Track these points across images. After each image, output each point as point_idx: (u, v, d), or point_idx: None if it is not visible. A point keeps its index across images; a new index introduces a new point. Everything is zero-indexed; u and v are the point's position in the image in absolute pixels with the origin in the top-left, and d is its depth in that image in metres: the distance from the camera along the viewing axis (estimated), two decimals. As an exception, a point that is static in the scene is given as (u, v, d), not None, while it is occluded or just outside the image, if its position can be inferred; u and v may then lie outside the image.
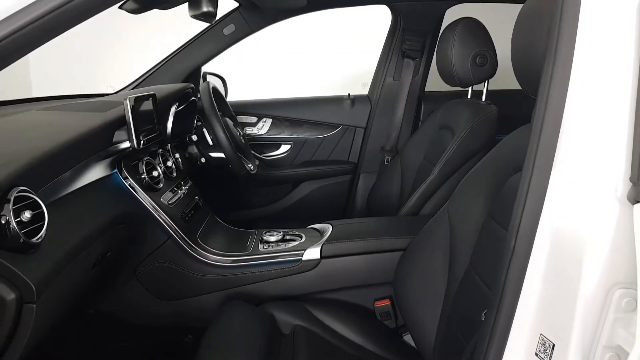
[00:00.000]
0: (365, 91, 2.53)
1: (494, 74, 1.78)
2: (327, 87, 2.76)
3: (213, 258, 1.53)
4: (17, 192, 0.87)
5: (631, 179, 0.64)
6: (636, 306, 0.64)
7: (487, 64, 1.73)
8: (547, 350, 0.71)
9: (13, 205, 0.86)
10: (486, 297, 0.93)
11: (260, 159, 2.41)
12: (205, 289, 1.52)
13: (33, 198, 0.91)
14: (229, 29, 2.16)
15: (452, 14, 2.05)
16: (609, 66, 0.68)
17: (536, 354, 0.73)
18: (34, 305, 0.86)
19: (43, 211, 0.92)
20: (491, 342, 0.77)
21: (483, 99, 1.84)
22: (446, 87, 1.96)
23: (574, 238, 0.68)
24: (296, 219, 2.29)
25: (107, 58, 3.47)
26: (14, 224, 0.85)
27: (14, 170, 0.90)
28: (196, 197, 1.73)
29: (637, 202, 0.63)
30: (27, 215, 0.88)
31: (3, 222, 0.85)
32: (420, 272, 1.34)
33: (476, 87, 1.86)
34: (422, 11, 2.20)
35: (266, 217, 2.48)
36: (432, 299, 1.23)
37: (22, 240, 0.87)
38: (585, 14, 0.70)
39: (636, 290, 0.64)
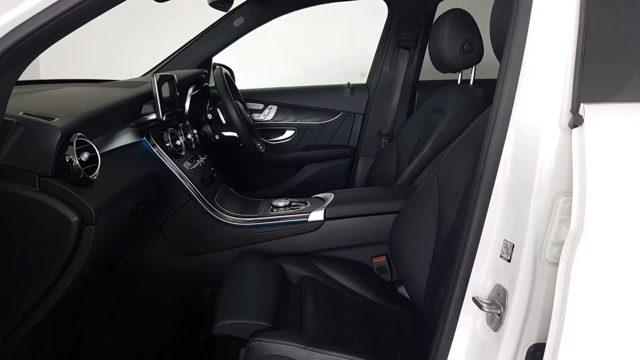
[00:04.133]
0: (363, 80, 2.71)
1: (481, 59, 1.95)
2: (329, 76, 2.94)
3: (229, 218, 1.71)
4: (77, 137, 1.06)
5: (571, 110, 0.83)
6: (574, 209, 0.83)
7: (474, 51, 1.90)
8: (509, 251, 0.89)
9: (75, 147, 1.04)
10: None
11: (266, 144, 2.59)
12: (222, 246, 1.70)
13: (89, 144, 1.09)
14: (238, 21, 2.34)
15: (443, 7, 2.23)
16: (556, 26, 0.86)
17: (501, 256, 0.91)
18: (93, 228, 1.05)
19: (97, 154, 1.11)
20: (464, 251, 0.94)
21: (471, 83, 2.02)
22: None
23: (528, 159, 0.86)
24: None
25: (112, 47, 3.66)
26: (77, 162, 1.04)
27: (74, 119, 1.09)
28: (212, 168, 1.91)
29: (575, 126, 0.82)
30: (85, 155, 1.07)
31: (67, 160, 1.03)
32: (412, 230, 1.51)
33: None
34: (416, 4, 2.38)
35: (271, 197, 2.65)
36: (422, 255, 1.39)
37: (82, 176, 1.05)
38: None
39: (575, 197, 0.82)
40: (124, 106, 1.43)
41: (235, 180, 2.51)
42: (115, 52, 3.67)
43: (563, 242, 0.84)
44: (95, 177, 1.09)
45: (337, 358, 1.12)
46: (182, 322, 1.79)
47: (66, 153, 1.03)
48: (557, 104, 0.84)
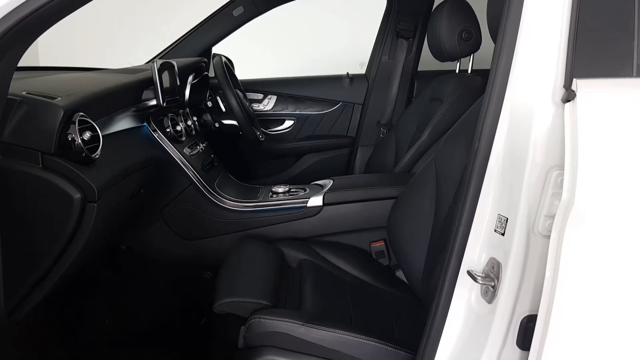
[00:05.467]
0: (362, 70, 2.73)
1: (479, 47, 1.96)
2: (328, 66, 2.95)
3: (229, 203, 1.73)
4: (79, 117, 1.08)
5: (564, 86, 0.85)
6: (567, 182, 0.84)
7: (472, 39, 1.91)
8: (503, 225, 0.91)
9: (77, 126, 1.06)
10: None
11: (265, 134, 2.60)
12: (222, 231, 1.72)
13: (90, 123, 1.11)
14: (238, 11, 2.35)
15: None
16: (550, 2, 0.88)
17: (495, 230, 0.93)
18: (95, 205, 1.07)
19: (98, 134, 1.12)
20: (459, 227, 0.96)
21: (469, 72, 2.03)
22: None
23: (522, 134, 0.88)
24: (299, 188, 2.49)
25: (111, 37, 3.67)
26: (79, 141, 1.05)
27: (76, 99, 1.11)
28: (212, 155, 1.93)
29: (568, 101, 0.83)
30: (87, 134, 1.08)
31: (69, 138, 1.05)
32: (410, 215, 1.53)
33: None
34: None
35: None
36: (420, 240, 1.41)
37: (84, 154, 1.07)
38: None
39: (569, 170, 0.84)
40: (125, 91, 1.45)
41: (235, 169, 2.53)
42: (114, 42, 3.67)
43: (555, 214, 0.86)
44: (97, 156, 1.11)
45: (335, 334, 1.14)
46: (182, 305, 1.81)
47: (68, 132, 1.05)
48: (550, 80, 0.86)
